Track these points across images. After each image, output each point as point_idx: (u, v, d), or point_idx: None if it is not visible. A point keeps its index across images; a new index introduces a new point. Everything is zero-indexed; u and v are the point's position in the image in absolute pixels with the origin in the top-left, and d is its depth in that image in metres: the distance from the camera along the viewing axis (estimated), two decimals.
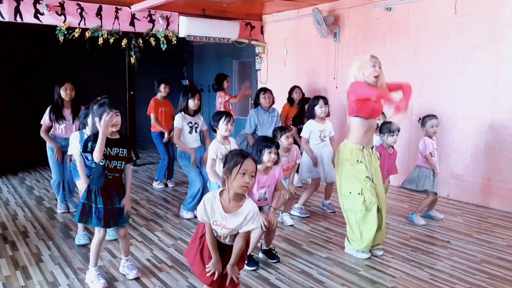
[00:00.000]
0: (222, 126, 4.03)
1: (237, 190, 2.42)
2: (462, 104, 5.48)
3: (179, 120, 4.89)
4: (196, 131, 5.00)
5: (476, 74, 5.32)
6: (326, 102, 4.88)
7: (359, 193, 3.68)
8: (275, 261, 3.70)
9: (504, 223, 4.74)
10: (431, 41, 5.75)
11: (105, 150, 3.11)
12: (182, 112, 4.93)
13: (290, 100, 6.54)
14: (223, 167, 2.49)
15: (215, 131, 4.15)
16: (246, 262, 3.46)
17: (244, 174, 2.38)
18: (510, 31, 4.99)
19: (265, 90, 5.95)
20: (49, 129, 4.95)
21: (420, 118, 4.81)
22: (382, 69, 3.65)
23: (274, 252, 3.76)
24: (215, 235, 2.55)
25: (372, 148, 3.84)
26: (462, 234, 4.38)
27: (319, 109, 4.85)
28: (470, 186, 5.47)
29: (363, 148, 3.72)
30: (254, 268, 3.57)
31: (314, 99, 4.95)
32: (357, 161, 3.69)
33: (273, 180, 3.52)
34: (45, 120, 4.92)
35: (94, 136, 3.14)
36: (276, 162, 3.48)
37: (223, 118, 4.05)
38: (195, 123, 4.98)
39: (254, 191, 3.37)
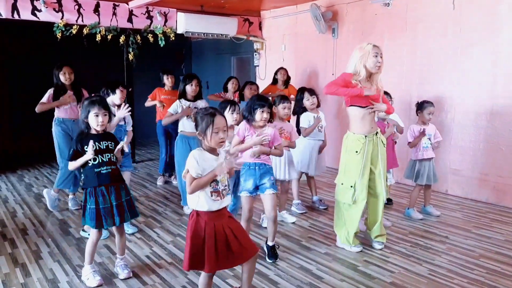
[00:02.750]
0: (229, 117, 3.83)
1: (215, 146, 2.58)
2: (460, 99, 5.47)
3: (174, 106, 4.85)
4: None
5: (474, 69, 5.32)
6: (311, 93, 4.90)
7: (351, 186, 3.71)
8: (272, 261, 3.64)
9: (502, 218, 4.76)
10: (429, 36, 5.75)
11: (95, 145, 3.12)
12: (181, 99, 4.89)
13: (274, 80, 6.89)
14: (196, 130, 2.60)
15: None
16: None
17: (217, 132, 2.53)
18: (507, 26, 4.99)
19: (251, 83, 6.35)
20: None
21: (418, 102, 4.73)
22: (383, 58, 3.65)
23: (275, 252, 3.69)
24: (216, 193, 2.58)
25: (376, 134, 3.76)
26: (461, 229, 4.40)
27: (307, 102, 4.89)
28: (468, 181, 5.48)
29: (365, 137, 3.69)
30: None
31: (300, 93, 4.99)
32: (356, 152, 3.68)
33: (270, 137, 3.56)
34: (45, 98, 4.86)
35: (81, 134, 3.19)
36: (269, 121, 3.58)
37: (228, 107, 3.90)
38: (194, 108, 4.80)
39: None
